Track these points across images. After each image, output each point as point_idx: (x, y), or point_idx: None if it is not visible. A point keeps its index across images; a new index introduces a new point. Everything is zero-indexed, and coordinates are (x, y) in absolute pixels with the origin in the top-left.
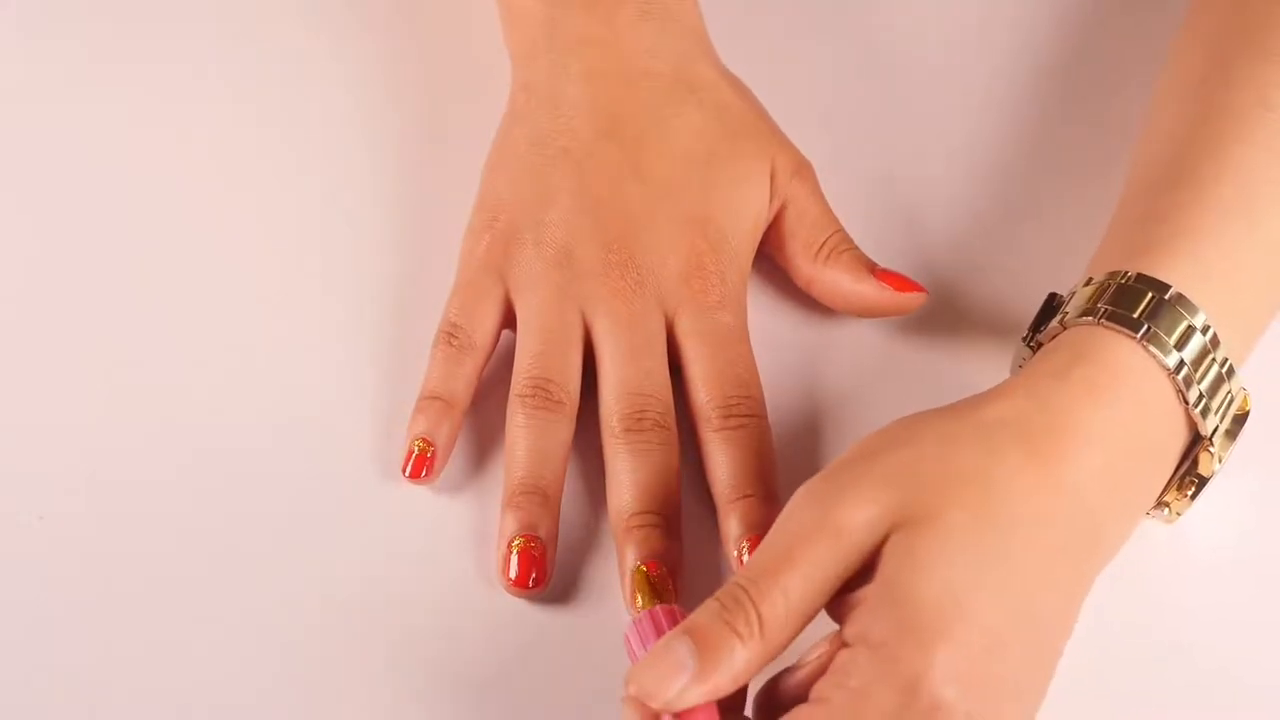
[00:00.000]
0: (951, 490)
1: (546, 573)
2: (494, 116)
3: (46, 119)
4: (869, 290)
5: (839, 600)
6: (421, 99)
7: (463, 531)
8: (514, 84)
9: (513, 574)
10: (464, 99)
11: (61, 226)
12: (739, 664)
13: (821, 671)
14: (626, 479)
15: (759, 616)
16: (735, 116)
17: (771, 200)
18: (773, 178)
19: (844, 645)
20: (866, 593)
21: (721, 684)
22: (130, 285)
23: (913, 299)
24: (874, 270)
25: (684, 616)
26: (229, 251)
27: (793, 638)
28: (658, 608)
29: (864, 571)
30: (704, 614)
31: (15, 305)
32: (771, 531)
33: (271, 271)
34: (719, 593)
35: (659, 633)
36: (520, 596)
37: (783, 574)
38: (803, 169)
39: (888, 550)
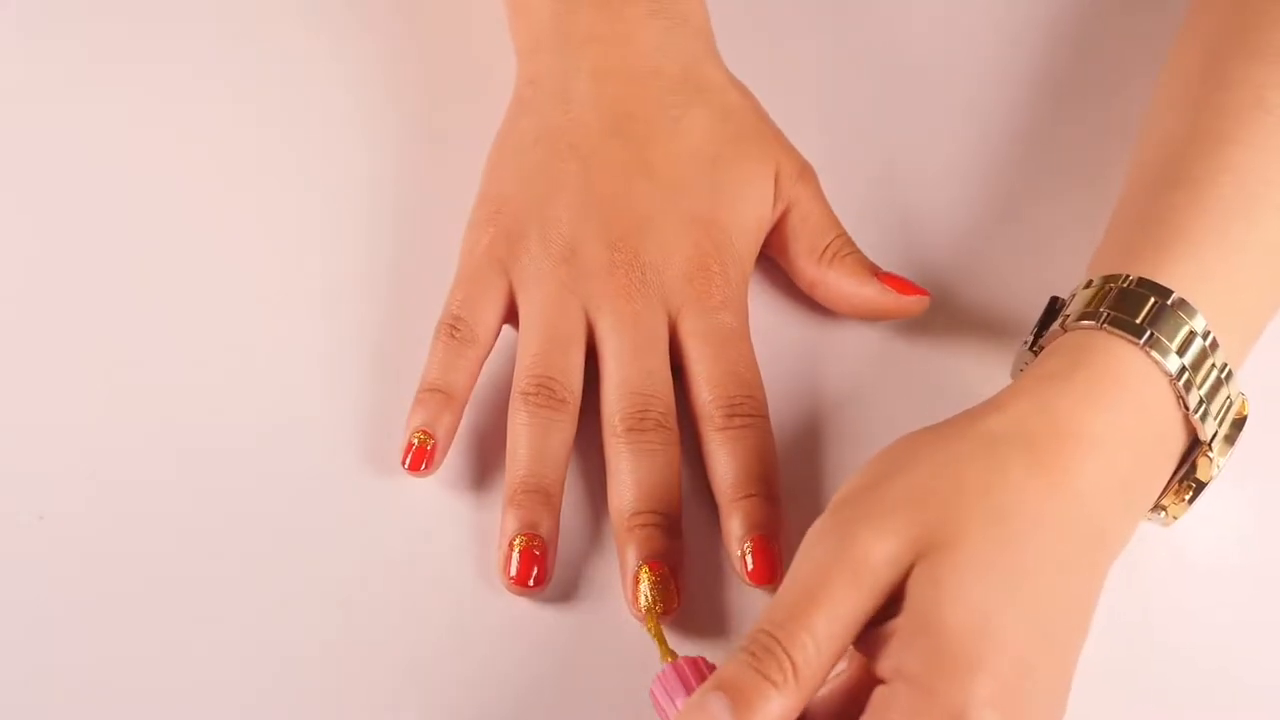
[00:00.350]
0: (966, 511)
1: (547, 571)
2: (494, 116)
3: (46, 119)
4: (872, 293)
5: (867, 634)
6: (421, 99)
7: (463, 531)
8: (519, 78)
9: (513, 572)
10: (464, 99)
11: (61, 226)
12: (775, 713)
13: (841, 693)
14: (628, 478)
15: (791, 662)
16: (741, 120)
17: (775, 203)
18: (777, 181)
19: (878, 681)
20: (896, 625)
21: None
22: (130, 285)
23: (916, 302)
24: (877, 273)
25: (709, 667)
26: (229, 251)
27: (825, 678)
28: (681, 660)
29: (890, 603)
30: (734, 666)
31: (15, 305)
32: (790, 573)
33: (271, 271)
34: (746, 642)
35: (686, 686)
36: (521, 595)
37: (809, 615)
38: (806, 173)
39: (913, 581)
